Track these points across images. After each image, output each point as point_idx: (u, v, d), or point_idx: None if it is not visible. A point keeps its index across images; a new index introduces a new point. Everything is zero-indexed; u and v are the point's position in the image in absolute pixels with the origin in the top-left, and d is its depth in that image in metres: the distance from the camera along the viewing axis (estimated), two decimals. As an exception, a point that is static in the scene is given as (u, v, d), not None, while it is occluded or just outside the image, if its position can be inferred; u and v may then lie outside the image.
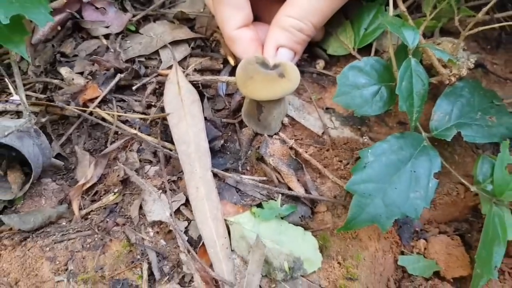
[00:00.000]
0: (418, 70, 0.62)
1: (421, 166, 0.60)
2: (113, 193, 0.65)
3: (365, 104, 0.62)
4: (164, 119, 0.70)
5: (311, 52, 0.82)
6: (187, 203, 0.64)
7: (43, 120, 0.72)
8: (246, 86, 0.61)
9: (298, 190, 0.65)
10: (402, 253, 0.67)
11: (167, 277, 0.58)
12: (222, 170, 0.65)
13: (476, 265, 0.62)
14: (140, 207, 0.64)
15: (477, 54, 0.91)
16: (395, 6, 0.70)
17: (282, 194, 0.65)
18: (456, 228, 0.71)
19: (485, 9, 0.62)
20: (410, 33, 0.62)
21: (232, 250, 0.59)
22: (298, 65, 0.81)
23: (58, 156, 0.70)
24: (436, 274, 0.65)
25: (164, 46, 0.80)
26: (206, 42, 0.84)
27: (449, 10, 0.68)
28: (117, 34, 0.83)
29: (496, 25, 0.69)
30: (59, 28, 0.83)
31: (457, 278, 0.64)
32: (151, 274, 0.58)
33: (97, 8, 0.84)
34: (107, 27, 0.83)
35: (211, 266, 0.57)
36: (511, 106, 0.83)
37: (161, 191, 0.64)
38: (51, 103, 0.72)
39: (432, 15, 0.68)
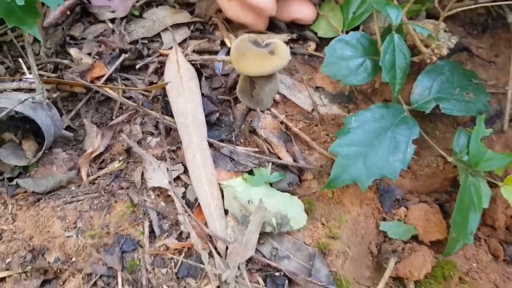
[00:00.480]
0: (400, 45, 0.67)
1: (400, 133, 0.66)
2: (118, 161, 0.72)
3: (350, 74, 0.67)
4: (165, 95, 0.76)
5: (303, 35, 0.88)
6: (186, 171, 0.70)
7: (54, 95, 0.78)
8: (239, 63, 0.67)
9: (287, 159, 0.71)
10: (384, 219, 0.72)
11: (166, 233, 0.64)
12: (217, 141, 0.71)
13: (452, 230, 0.67)
14: (142, 174, 0.70)
15: (463, 38, 0.95)
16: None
17: (272, 163, 0.71)
18: (436, 198, 0.76)
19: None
20: (394, 10, 0.67)
21: (225, 211, 0.64)
22: (291, 47, 0.87)
23: (68, 128, 0.76)
24: (415, 238, 0.70)
25: (166, 29, 0.85)
26: (205, 26, 0.90)
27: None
28: (122, 18, 0.89)
29: (475, 5, 0.73)
30: (68, 12, 0.89)
31: (434, 242, 0.69)
32: (152, 231, 0.64)
33: (103, -6, 0.90)
34: (112, 11, 0.89)
35: (206, 224, 0.63)
36: (494, 87, 0.88)
37: (160, 160, 0.70)
38: (62, 80, 0.78)
39: (413, -2, 0.73)
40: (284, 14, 0.85)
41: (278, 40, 0.70)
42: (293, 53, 0.87)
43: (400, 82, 0.66)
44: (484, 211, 0.74)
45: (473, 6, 0.70)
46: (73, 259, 0.63)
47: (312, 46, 0.86)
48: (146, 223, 0.65)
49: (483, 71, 0.91)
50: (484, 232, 0.74)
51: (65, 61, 0.84)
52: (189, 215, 0.64)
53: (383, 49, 0.65)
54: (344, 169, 0.62)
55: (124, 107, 0.77)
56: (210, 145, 0.70)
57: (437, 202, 0.75)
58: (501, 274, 0.69)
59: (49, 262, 0.62)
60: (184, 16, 0.88)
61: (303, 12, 0.84)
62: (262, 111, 0.76)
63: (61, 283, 0.61)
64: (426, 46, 0.73)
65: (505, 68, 0.90)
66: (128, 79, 0.81)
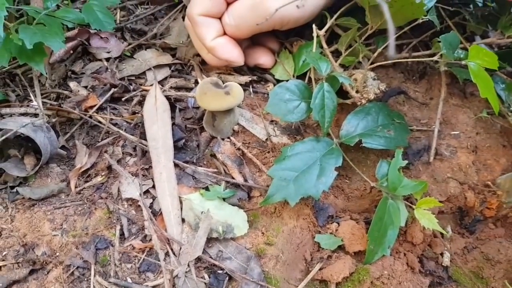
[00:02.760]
0: (329, 91, 0.83)
1: (327, 161, 0.81)
2: (100, 176, 0.87)
3: (288, 113, 0.83)
4: (143, 123, 0.92)
5: (264, 77, 1.05)
6: (154, 186, 0.85)
7: (54, 120, 0.95)
8: (201, 100, 0.84)
9: (239, 179, 0.86)
10: (319, 232, 0.86)
11: (134, 236, 0.79)
12: (183, 162, 0.87)
13: (369, 243, 0.80)
14: (119, 187, 0.85)
15: (402, 83, 1.12)
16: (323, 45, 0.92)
17: (227, 181, 0.86)
18: (365, 217, 0.90)
19: (380, 49, 0.84)
20: (324, 64, 0.84)
21: (182, 219, 0.79)
22: (253, 86, 1.04)
23: (62, 147, 0.93)
24: (342, 248, 0.84)
25: (150, 69, 1.03)
26: (184, 67, 1.08)
27: (359, 50, 0.90)
28: (116, 58, 1.07)
29: (392, 61, 0.90)
30: (71, 51, 1.08)
31: (357, 252, 0.83)
32: (122, 233, 0.79)
33: (101, 37, 1.09)
34: (108, 52, 1.07)
35: (166, 230, 0.78)
36: (426, 125, 1.04)
37: (135, 176, 0.86)
38: (61, 108, 0.95)
39: (346, 53, 0.90)
40: (249, 60, 1.03)
41: (234, 83, 0.87)
42: (254, 92, 1.04)
43: (329, 121, 0.82)
44: (406, 229, 0.89)
45: (390, 62, 0.87)
46: (57, 253, 0.77)
47: (270, 86, 1.03)
48: (118, 227, 0.79)
49: (418, 112, 1.07)
50: (405, 248, 0.88)
51: (66, 92, 1.01)
52: (152, 221, 0.78)
53: (314, 95, 0.81)
54: (278, 189, 0.77)
55: (110, 132, 0.94)
56: (176, 165, 0.86)
57: (366, 220, 0.89)
58: (416, 284, 0.82)
59: (37, 255, 0.77)
60: (166, 58, 1.06)
61: (264, 59, 1.02)
62: (222, 139, 0.92)
63: (46, 272, 0.76)
64: (357, 91, 0.90)
65: (437, 109, 1.06)
66: (115, 108, 0.98)
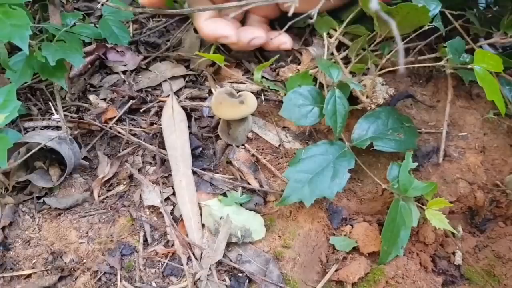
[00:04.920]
0: (340, 97, 0.86)
1: (340, 164, 0.84)
2: (122, 185, 0.91)
3: (301, 118, 0.86)
4: (161, 133, 0.96)
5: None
6: (174, 193, 0.88)
7: (75, 132, 0.99)
8: (217, 109, 0.88)
9: (254, 185, 0.89)
10: (334, 234, 0.89)
11: (156, 242, 0.82)
12: (200, 169, 0.91)
13: (382, 244, 0.83)
14: (140, 195, 0.89)
15: (410, 87, 1.15)
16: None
17: (243, 187, 0.89)
18: (378, 219, 0.93)
19: (387, 56, 0.87)
20: (335, 71, 0.87)
21: (202, 224, 0.83)
22: (265, 94, 1.07)
23: (85, 158, 0.97)
24: (356, 250, 0.87)
25: (165, 80, 1.07)
26: (197, 77, 1.11)
27: (367, 57, 0.93)
28: (132, 71, 1.12)
29: (399, 67, 0.93)
30: (89, 66, 1.12)
31: (371, 253, 0.85)
32: (145, 239, 0.83)
33: (117, 51, 1.13)
34: (124, 65, 1.12)
35: (187, 235, 0.81)
36: (434, 128, 1.07)
37: (155, 184, 0.89)
38: (82, 120, 0.99)
39: (356, 60, 0.93)
40: (243, 36, 0.99)
41: (248, 92, 0.91)
42: (266, 99, 1.07)
43: (341, 126, 0.86)
44: (418, 229, 0.91)
45: (397, 68, 0.90)
46: (84, 260, 0.81)
47: (282, 94, 1.06)
48: (141, 234, 0.83)
49: (426, 114, 1.10)
50: (418, 248, 0.90)
51: (85, 105, 1.05)
52: (174, 227, 0.82)
53: (326, 101, 0.84)
54: (293, 191, 0.80)
55: (129, 142, 0.98)
56: (194, 173, 0.90)
57: (378, 222, 0.92)
58: (429, 283, 0.85)
59: (65, 263, 0.81)
60: (180, 70, 1.10)
61: (258, 33, 1.00)
62: (238, 146, 0.95)
63: (74, 279, 0.79)
64: (367, 96, 0.93)
65: (444, 112, 1.09)
66: (134, 119, 1.02)
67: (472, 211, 0.97)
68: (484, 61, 0.87)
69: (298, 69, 1.08)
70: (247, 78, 1.11)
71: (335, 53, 0.93)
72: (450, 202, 0.93)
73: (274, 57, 1.02)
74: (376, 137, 0.89)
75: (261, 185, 0.90)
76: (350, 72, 0.97)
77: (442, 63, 0.91)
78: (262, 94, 1.07)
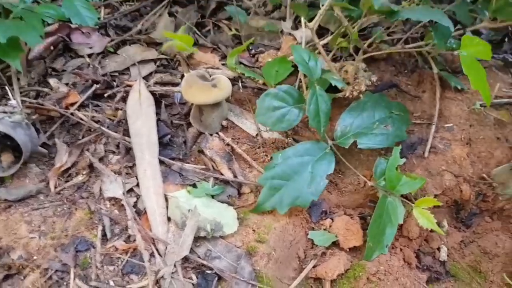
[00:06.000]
0: (321, 94, 0.80)
1: (319, 168, 0.77)
2: (81, 175, 0.83)
3: (277, 122, 0.79)
4: (127, 120, 0.88)
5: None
6: (138, 184, 0.81)
7: (33, 117, 0.90)
8: (187, 93, 0.80)
9: (228, 175, 0.82)
10: (313, 229, 0.83)
11: (116, 236, 0.74)
12: (169, 159, 0.83)
13: (368, 239, 0.77)
14: (101, 186, 0.81)
15: (394, 76, 1.10)
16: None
17: (215, 178, 0.82)
18: (360, 212, 0.87)
19: (370, 40, 0.82)
20: (314, 63, 0.80)
21: (168, 218, 0.75)
22: (242, 81, 1.01)
23: (43, 145, 0.88)
24: (337, 245, 0.81)
25: (134, 64, 0.99)
26: (170, 62, 1.04)
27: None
28: (98, 54, 1.03)
29: (386, 51, 0.88)
30: (52, 48, 1.03)
31: (352, 248, 0.79)
32: (104, 234, 0.74)
33: (83, 32, 1.05)
34: (90, 48, 1.03)
35: (150, 229, 0.74)
36: (419, 118, 1.02)
37: (117, 174, 0.81)
38: (40, 106, 0.91)
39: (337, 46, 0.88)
40: None
41: (221, 75, 0.84)
42: (244, 86, 1.01)
43: (324, 125, 0.79)
44: (402, 224, 0.86)
45: (385, 51, 0.84)
46: (34, 257, 0.72)
47: (260, 81, 1.00)
48: (100, 228, 0.75)
49: (411, 105, 1.05)
50: (401, 243, 0.85)
51: (45, 89, 0.96)
52: (136, 221, 0.74)
53: (308, 101, 0.77)
54: (267, 198, 0.75)
55: (91, 129, 0.89)
56: (162, 162, 0.82)
57: (360, 215, 0.86)
58: (413, 279, 0.79)
59: (12, 259, 0.72)
60: (151, 53, 1.02)
61: None
62: (211, 135, 0.88)
63: (22, 277, 0.71)
64: (348, 83, 0.87)
65: (430, 103, 1.05)
66: (98, 105, 0.94)
67: (458, 205, 0.92)
68: (472, 46, 0.82)
69: (277, 55, 1.02)
70: (223, 64, 1.05)
71: (316, 39, 0.87)
72: (435, 195, 0.88)
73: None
74: (360, 133, 0.83)
75: (235, 176, 0.83)
76: (333, 59, 0.92)
77: (427, 48, 0.86)
78: (240, 81, 1.01)
